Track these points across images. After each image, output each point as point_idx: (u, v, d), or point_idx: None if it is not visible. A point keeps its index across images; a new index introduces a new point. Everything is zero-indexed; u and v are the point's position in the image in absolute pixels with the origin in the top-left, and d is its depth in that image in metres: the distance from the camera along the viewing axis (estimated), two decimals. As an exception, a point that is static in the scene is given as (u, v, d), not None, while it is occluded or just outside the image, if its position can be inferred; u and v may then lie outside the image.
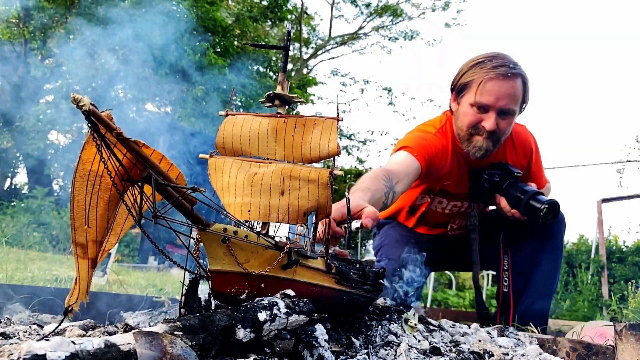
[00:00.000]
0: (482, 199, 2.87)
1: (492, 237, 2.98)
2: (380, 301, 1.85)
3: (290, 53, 1.53)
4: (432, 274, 8.27)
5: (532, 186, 2.70)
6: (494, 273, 3.70)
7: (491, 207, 3.12)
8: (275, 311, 1.13)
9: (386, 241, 3.06)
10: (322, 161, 1.55)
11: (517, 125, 2.92)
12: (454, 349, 1.47)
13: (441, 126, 2.83)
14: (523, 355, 1.49)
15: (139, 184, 1.08)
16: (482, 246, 3.00)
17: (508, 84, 2.54)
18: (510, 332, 1.80)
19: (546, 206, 2.55)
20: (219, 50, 13.55)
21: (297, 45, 19.92)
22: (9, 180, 15.72)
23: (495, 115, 2.58)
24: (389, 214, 3.24)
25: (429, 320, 1.73)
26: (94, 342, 0.83)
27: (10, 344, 1.22)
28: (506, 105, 2.56)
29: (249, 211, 1.43)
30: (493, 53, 2.65)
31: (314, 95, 20.11)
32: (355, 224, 1.68)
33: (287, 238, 1.34)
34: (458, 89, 2.70)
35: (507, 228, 2.92)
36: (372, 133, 22.10)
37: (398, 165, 2.54)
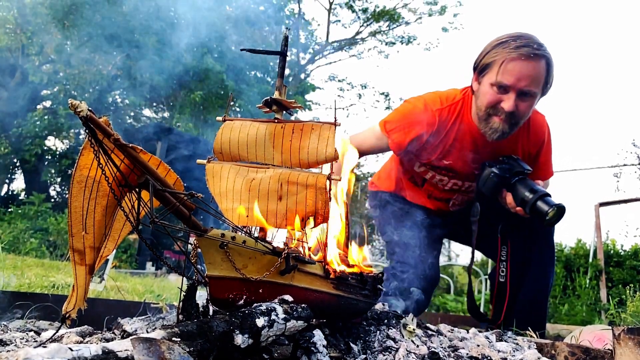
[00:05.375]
0: (488, 192, 2.82)
1: (494, 226, 2.96)
2: (378, 306, 1.85)
3: (288, 58, 1.54)
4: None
5: (541, 184, 2.68)
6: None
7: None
8: (273, 317, 1.13)
9: (394, 234, 3.05)
10: (320, 166, 1.55)
11: (536, 112, 2.89)
12: (452, 354, 1.47)
13: (453, 102, 2.81)
14: None
15: (137, 189, 1.08)
16: (482, 233, 2.98)
17: (530, 65, 2.50)
18: (509, 337, 1.80)
19: (554, 210, 2.52)
20: (216, 55, 13.57)
21: (294, 50, 19.95)
22: (6, 186, 15.68)
23: (515, 97, 2.54)
24: (390, 189, 3.24)
25: (428, 325, 1.73)
26: (92, 348, 0.82)
27: (8, 351, 1.22)
28: (527, 86, 2.52)
29: (247, 217, 1.43)
30: (518, 33, 2.61)
31: (311, 101, 20.11)
32: None
33: (285, 244, 1.34)
34: (480, 69, 2.67)
35: (507, 219, 2.89)
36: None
37: (367, 139, 2.92)
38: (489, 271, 3.23)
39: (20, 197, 14.88)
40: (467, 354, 1.47)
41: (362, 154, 2.99)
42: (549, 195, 2.59)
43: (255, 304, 1.18)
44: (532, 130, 2.87)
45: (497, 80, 2.55)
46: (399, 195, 3.21)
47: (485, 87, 2.62)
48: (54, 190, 15.63)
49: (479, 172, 2.83)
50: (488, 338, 1.71)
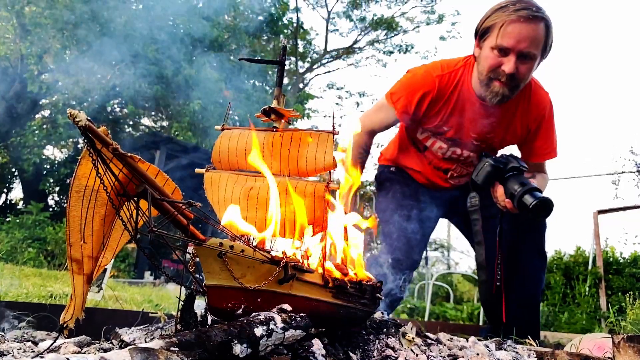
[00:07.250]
0: (481, 181, 2.82)
1: (492, 227, 2.95)
2: (377, 315, 1.84)
3: (286, 67, 1.54)
4: (431, 287, 8.23)
5: (535, 183, 2.69)
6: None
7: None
8: (271, 326, 1.12)
9: (389, 212, 3.07)
10: (319, 175, 1.56)
11: (540, 87, 2.92)
12: (452, 363, 1.46)
13: (454, 69, 2.86)
14: (521, 368, 1.48)
15: (135, 199, 1.08)
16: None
17: (529, 26, 2.54)
18: (508, 345, 1.80)
19: (536, 202, 2.50)
20: (214, 64, 13.62)
21: (292, 59, 20.04)
22: (4, 195, 15.65)
23: (515, 59, 2.58)
24: (393, 156, 3.26)
25: (427, 333, 1.73)
26: (89, 358, 0.82)
27: (4, 361, 1.21)
28: (526, 48, 2.56)
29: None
30: None
31: (310, 109, 20.16)
32: None
33: (284, 252, 1.34)
34: (481, 33, 2.71)
35: (505, 222, 2.89)
36: (367, 146, 22.07)
37: (376, 115, 3.02)
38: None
39: (18, 207, 14.85)
40: (467, 362, 1.47)
41: (375, 131, 3.06)
42: (539, 191, 2.59)
43: (253, 314, 1.17)
44: (533, 101, 2.89)
45: (497, 43, 2.59)
46: (399, 168, 3.24)
47: (486, 51, 2.66)
48: (52, 199, 15.60)
49: (476, 160, 2.86)
50: (487, 347, 1.70)
